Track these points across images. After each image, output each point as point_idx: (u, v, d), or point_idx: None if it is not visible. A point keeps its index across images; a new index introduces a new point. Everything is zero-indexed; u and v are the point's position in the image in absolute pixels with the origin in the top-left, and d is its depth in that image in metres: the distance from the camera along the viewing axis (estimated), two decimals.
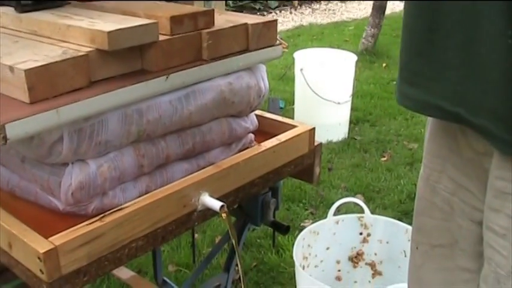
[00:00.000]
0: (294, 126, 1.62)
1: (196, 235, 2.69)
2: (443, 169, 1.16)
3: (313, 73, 3.89)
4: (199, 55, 1.34)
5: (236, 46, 1.40)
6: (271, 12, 8.81)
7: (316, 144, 1.66)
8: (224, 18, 1.44)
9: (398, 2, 8.93)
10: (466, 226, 1.15)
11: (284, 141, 1.53)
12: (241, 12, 7.72)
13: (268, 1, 8.97)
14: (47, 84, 1.10)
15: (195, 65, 1.32)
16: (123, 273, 1.93)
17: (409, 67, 1.06)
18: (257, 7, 8.79)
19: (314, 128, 1.62)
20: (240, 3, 8.68)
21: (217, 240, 2.78)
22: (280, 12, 8.93)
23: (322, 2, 9.62)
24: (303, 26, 8.04)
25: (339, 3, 9.58)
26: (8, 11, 1.42)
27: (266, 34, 1.45)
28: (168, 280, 1.85)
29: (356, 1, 9.35)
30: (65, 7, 1.45)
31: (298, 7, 9.28)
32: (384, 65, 5.77)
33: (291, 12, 8.96)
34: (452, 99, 0.98)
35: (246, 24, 1.41)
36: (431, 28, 0.97)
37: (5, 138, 1.02)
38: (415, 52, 1.03)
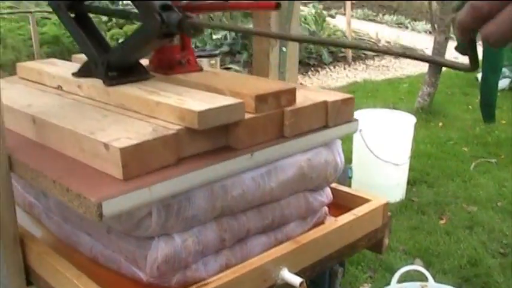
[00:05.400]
0: (367, 200, 1.62)
1: None
2: None
3: (372, 134, 3.90)
4: (281, 132, 1.36)
5: (315, 123, 1.42)
6: (325, 68, 8.89)
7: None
8: (303, 94, 1.47)
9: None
10: None
11: (360, 216, 1.53)
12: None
13: (322, 57, 9.06)
14: (139, 161, 1.14)
15: (278, 142, 1.34)
16: None
17: None
18: (311, 62, 8.88)
19: (387, 203, 1.62)
20: None
21: None
22: (334, 68, 9.01)
23: (375, 58, 9.66)
24: (357, 83, 8.08)
25: (393, 60, 9.61)
26: (96, 83, 1.49)
27: (344, 110, 1.47)
28: None
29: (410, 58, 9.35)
30: (149, 80, 1.51)
31: (352, 63, 9.34)
32: (440, 124, 5.75)
33: (344, 68, 9.03)
34: None
35: (325, 101, 1.43)
36: None
37: (101, 215, 1.05)
38: None
